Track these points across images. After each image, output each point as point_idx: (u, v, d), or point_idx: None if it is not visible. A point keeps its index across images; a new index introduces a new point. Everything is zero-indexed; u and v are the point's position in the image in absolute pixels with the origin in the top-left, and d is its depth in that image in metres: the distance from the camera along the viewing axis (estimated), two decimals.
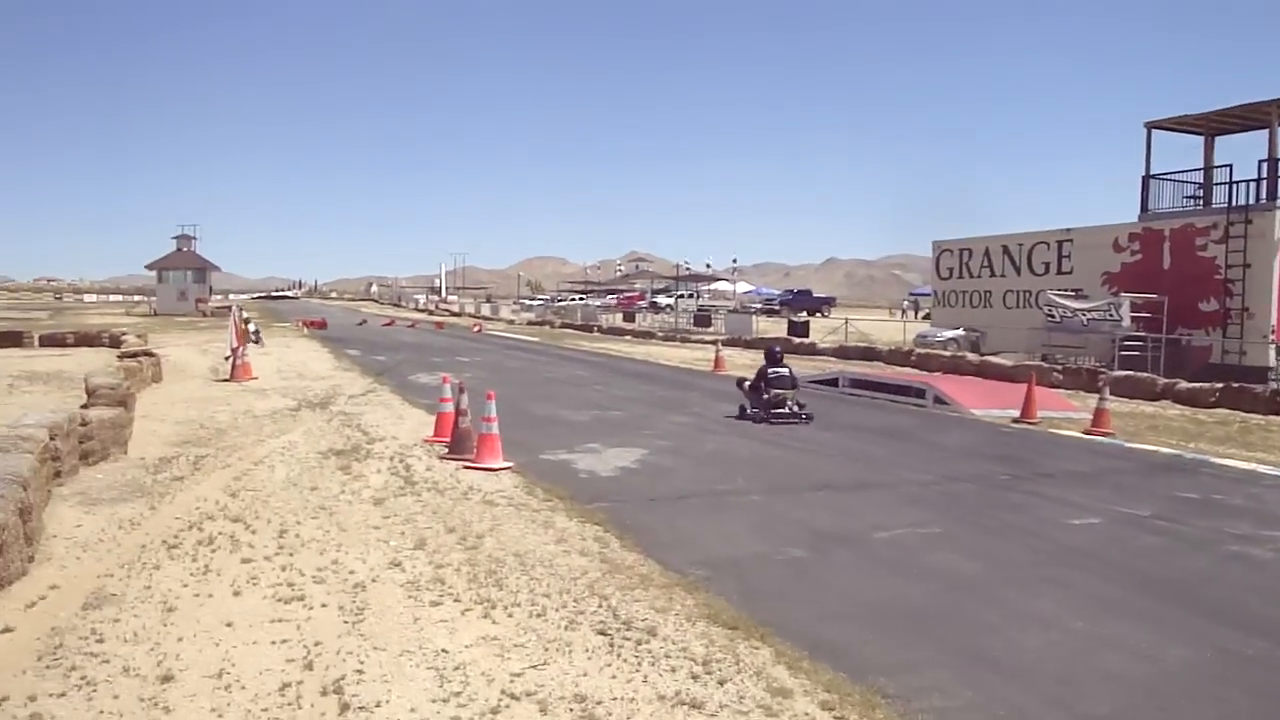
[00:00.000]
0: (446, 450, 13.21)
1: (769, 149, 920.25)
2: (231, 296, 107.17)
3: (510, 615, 6.82)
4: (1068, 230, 32.53)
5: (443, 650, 6.07)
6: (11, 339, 33.89)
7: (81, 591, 7.07)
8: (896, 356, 32.10)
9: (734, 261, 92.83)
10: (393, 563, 8.07)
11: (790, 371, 17.78)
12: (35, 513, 7.80)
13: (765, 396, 17.23)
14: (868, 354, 34.02)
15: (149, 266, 73.30)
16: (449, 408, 14.31)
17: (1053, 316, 29.34)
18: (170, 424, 15.43)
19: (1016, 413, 18.59)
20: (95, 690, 5.32)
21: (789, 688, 5.59)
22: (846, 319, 45.42)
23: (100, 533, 8.69)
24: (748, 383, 17.96)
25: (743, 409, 17.55)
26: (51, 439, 9.85)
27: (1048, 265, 33.10)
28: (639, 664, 5.92)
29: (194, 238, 73.14)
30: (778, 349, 18.64)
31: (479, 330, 51.88)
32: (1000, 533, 9.86)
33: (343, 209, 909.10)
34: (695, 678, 5.71)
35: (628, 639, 6.34)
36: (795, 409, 17.21)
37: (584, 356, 34.34)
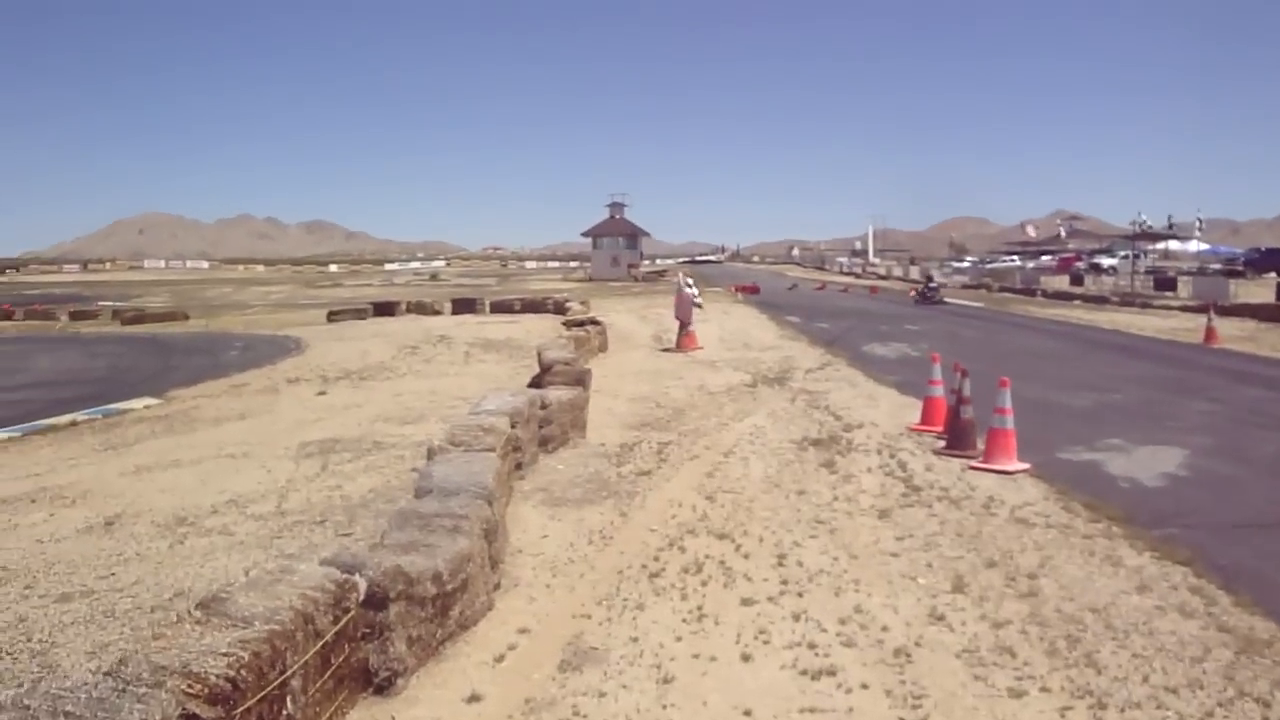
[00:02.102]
0: (943, 444, 11.07)
1: (1217, 90, 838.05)
2: (659, 261, 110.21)
3: None
4: None
5: None
6: (467, 306, 35.34)
7: (556, 640, 5.60)
8: None
9: (1198, 217, 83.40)
10: (933, 614, 6.08)
11: None
12: (500, 530, 6.46)
13: None
14: None
15: (585, 234, 75.98)
16: (939, 391, 12.15)
17: None
18: (624, 401, 14.32)
19: None
20: None
21: None
22: None
23: (569, 549, 7.32)
24: None
25: None
26: (512, 426, 8.68)
27: None
28: None
29: (625, 205, 75.07)
30: None
31: (914, 294, 49.16)
32: None
33: (762, 173, 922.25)
34: None
35: None
36: None
37: (1040, 325, 30.84)
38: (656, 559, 7.12)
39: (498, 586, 6.26)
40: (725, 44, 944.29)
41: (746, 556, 7.22)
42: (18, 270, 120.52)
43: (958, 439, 10.87)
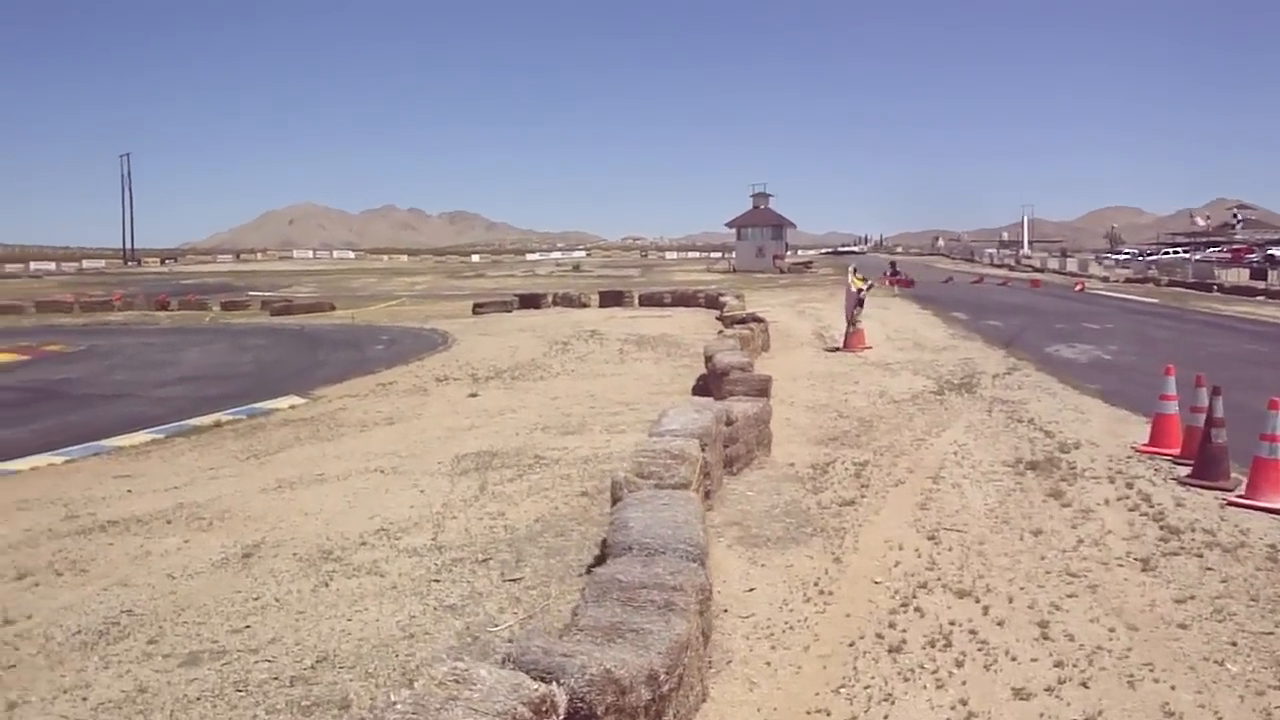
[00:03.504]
0: (1186, 472, 9.44)
1: None
2: (800, 252, 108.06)
3: None
4: None
5: None
6: (615, 298, 34.29)
7: None
8: None
9: None
10: None
11: None
12: (710, 593, 5.19)
13: None
14: None
15: (729, 224, 74.49)
16: (1173, 408, 10.51)
17: None
18: (802, 409, 12.96)
19: None
20: None
21: None
22: None
23: (783, 608, 6.03)
24: None
25: None
26: (701, 449, 7.43)
27: None
28: None
29: (770, 195, 73.42)
30: None
31: (1081, 288, 46.48)
32: None
33: (904, 163, 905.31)
34: None
35: None
36: None
37: (1235, 324, 28.25)
38: (892, 625, 5.79)
39: (709, 665, 5.02)
40: (871, 34, 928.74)
41: (1000, 624, 5.83)
42: (175, 260, 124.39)
43: (1207, 467, 9.22)
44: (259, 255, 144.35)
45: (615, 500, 6.34)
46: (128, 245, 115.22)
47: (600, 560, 6.33)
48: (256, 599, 6.29)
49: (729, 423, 8.92)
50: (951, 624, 5.80)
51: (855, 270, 21.50)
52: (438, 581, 6.54)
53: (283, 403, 15.25)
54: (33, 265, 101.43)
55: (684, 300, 33.28)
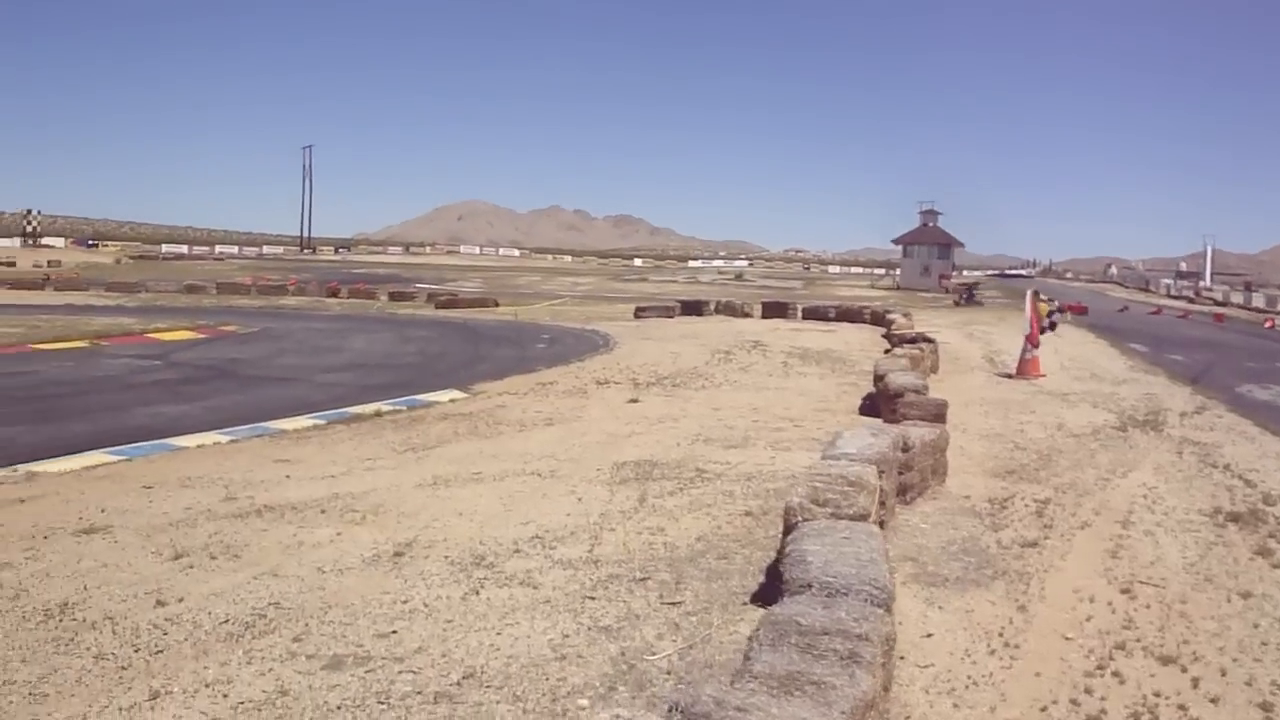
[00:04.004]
0: None
1: None
2: (965, 273, 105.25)
3: None
4: None
5: None
6: (778, 310, 33.82)
7: None
8: None
9: None
10: None
11: None
12: (894, 642, 4.68)
13: None
14: None
15: (896, 241, 73.18)
16: None
17: None
18: (976, 437, 12.25)
19: None
20: None
21: None
22: None
23: (965, 659, 5.47)
24: None
25: None
26: (879, 476, 6.91)
27: None
28: None
29: (939, 213, 71.79)
30: None
31: (1271, 325, 43.82)
32: None
33: (1077, 187, 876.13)
34: None
35: None
36: None
37: None
38: (1088, 691, 5.18)
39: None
40: (1049, 56, 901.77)
41: (1214, 701, 5.17)
42: (348, 250, 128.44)
43: None
44: (427, 249, 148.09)
45: (788, 528, 5.88)
46: (305, 233, 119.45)
47: (768, 592, 5.89)
48: (405, 602, 6.04)
49: (905, 449, 8.36)
50: (1156, 695, 5.16)
51: (1039, 294, 20.52)
52: (593, 599, 6.18)
53: (443, 396, 15.23)
54: (218, 249, 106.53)
55: (849, 315, 32.49)
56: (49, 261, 64.04)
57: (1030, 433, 12.88)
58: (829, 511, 5.82)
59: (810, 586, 4.53)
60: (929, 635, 5.77)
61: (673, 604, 6.11)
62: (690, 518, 8.16)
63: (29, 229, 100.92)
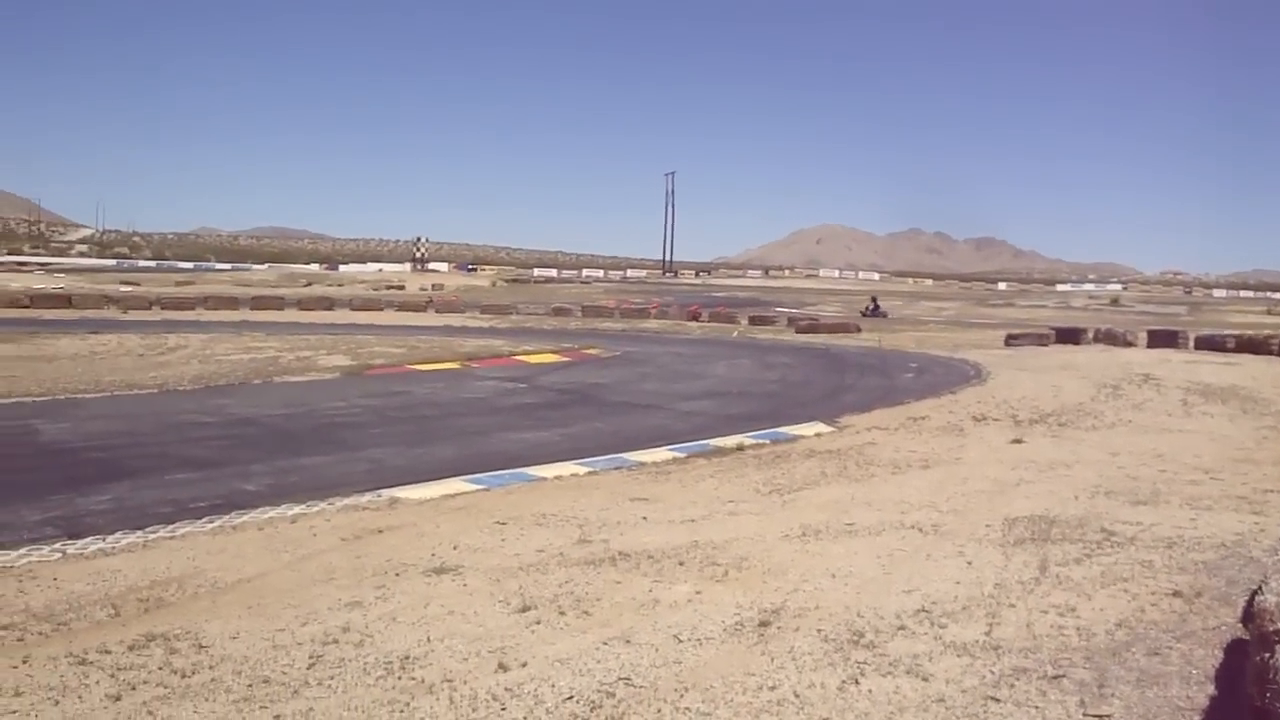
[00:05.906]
0: None
1: None
2: None
3: None
4: None
5: None
6: (1166, 338, 30.85)
7: None
8: None
9: None
10: None
11: None
12: None
13: None
14: None
15: None
16: None
17: None
18: None
19: None
20: None
21: None
22: None
23: None
24: None
25: None
26: None
27: None
28: None
29: None
30: None
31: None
32: None
33: None
34: None
35: None
36: None
37: None
38: None
39: None
40: None
41: None
42: (708, 273, 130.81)
43: None
44: (786, 272, 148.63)
45: (1260, 637, 4.50)
46: (667, 257, 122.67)
47: (1223, 712, 4.55)
48: (773, 689, 5.13)
49: None
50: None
51: None
52: (996, 700, 5.03)
53: (808, 429, 14.36)
54: (584, 272, 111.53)
55: (1251, 346, 28.81)
56: (433, 285, 69.62)
57: None
58: None
59: None
60: None
61: (1098, 717, 4.87)
62: (1104, 595, 6.79)
63: (418, 254, 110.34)
